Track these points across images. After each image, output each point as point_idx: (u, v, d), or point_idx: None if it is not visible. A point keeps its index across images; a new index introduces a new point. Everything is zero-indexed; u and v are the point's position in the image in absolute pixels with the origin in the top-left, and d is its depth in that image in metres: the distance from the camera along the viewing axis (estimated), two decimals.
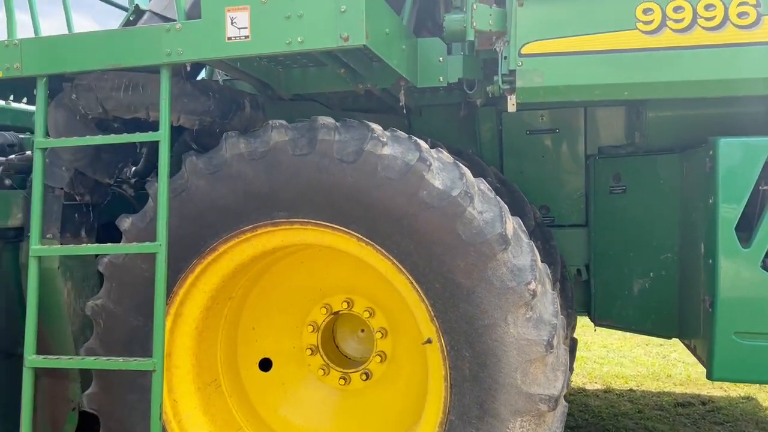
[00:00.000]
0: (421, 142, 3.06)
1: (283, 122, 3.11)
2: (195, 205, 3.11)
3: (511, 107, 3.52)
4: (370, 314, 3.73)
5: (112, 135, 3.07)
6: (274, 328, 3.84)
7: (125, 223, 3.24)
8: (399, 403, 3.67)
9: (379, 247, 2.93)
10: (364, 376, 3.74)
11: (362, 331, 4.00)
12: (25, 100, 4.11)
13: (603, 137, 4.45)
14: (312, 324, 3.81)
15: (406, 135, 3.18)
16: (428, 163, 2.89)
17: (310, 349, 3.82)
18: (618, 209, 4.31)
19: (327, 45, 2.78)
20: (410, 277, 2.89)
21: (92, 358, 3.09)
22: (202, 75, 4.29)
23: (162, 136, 2.94)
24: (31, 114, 4.96)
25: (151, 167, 4.15)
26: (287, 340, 3.86)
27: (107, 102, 3.25)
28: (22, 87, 3.99)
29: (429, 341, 2.97)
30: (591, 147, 4.46)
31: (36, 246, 3.07)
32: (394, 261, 2.92)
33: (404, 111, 3.83)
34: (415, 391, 3.63)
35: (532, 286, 2.75)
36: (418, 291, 2.89)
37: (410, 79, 3.54)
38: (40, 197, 3.10)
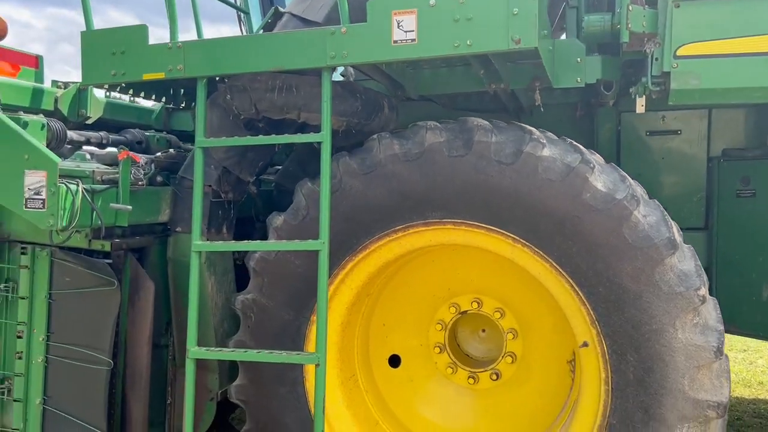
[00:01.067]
0: (578, 144, 3.06)
1: (437, 123, 3.15)
2: (349, 204, 3.18)
3: (640, 108, 3.49)
4: (501, 315, 3.75)
5: (273, 136, 3.16)
6: (402, 325, 3.89)
7: (277, 220, 3.33)
8: (531, 403, 3.68)
9: (537, 249, 2.95)
10: (494, 376, 3.76)
11: (483, 330, 4.01)
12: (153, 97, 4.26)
13: (727, 140, 4.36)
14: (440, 322, 3.85)
15: (557, 136, 3.18)
16: (591, 165, 2.89)
17: (438, 347, 3.86)
18: (745, 213, 4.21)
19: (497, 48, 2.80)
20: (571, 280, 2.90)
21: (254, 351, 3.18)
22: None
23: (324, 137, 3.01)
24: (151, 112, 5.13)
25: (268, 164, 4.26)
26: (414, 337, 3.90)
27: (261, 103, 3.34)
28: (160, 86, 4.13)
29: (585, 344, 2.97)
30: (714, 149, 4.37)
31: (198, 242, 3.18)
32: (554, 263, 2.93)
33: (541, 110, 3.82)
34: (549, 392, 3.64)
35: (702, 291, 2.72)
36: (578, 294, 2.90)
37: (551, 80, 3.53)
38: (200, 195, 3.21)
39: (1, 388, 3.40)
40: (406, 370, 3.89)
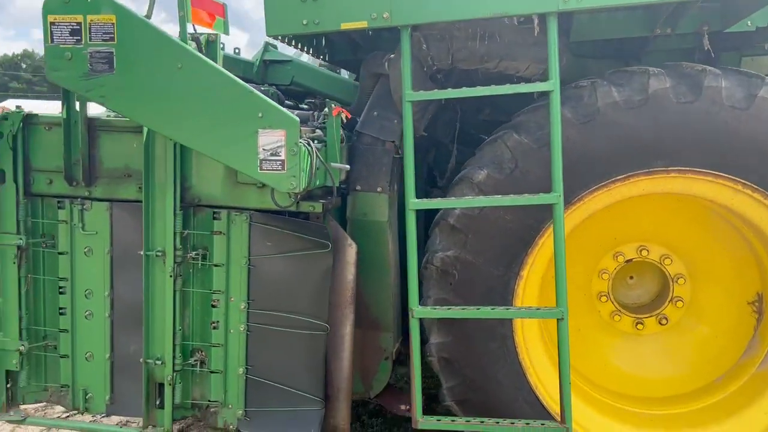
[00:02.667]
0: None
1: (660, 69, 3.08)
2: (564, 156, 3.09)
3: None
4: (670, 261, 3.78)
5: (493, 87, 3.01)
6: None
7: (479, 175, 3.23)
8: (708, 345, 3.77)
9: None
10: (664, 321, 3.82)
11: (631, 278, 4.05)
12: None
13: None
14: (604, 271, 3.87)
15: None
16: None
17: (604, 295, 3.88)
18: None
19: None
20: None
21: (488, 307, 3.11)
22: None
23: (554, 85, 2.91)
24: (252, 65, 4.86)
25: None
26: (578, 288, 3.91)
27: (459, 52, 3.19)
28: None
29: None
30: None
31: (412, 199, 3.05)
32: None
33: (711, 56, 3.78)
34: (727, 333, 3.72)
35: None
36: None
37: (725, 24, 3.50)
38: (411, 150, 3.07)
39: (194, 360, 3.24)
40: (573, 320, 3.89)
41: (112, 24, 2.72)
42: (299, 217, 3.16)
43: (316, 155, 2.78)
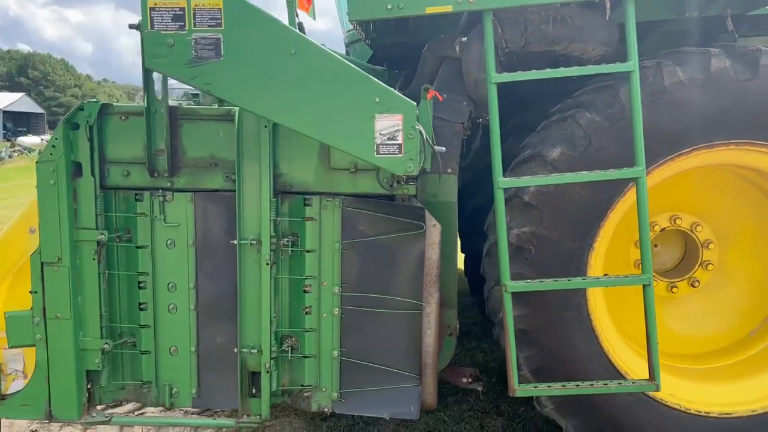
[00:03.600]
0: None
1: (720, 50, 3.32)
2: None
3: None
4: (701, 228, 4.10)
5: (575, 68, 3.16)
6: (606, 246, 4.12)
7: (552, 152, 3.38)
8: (738, 303, 4.13)
9: None
10: (697, 283, 4.14)
11: (656, 245, 4.36)
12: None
13: None
14: None
15: None
16: None
17: (639, 264, 4.15)
18: None
19: None
20: None
21: (579, 278, 3.29)
22: None
23: (633, 66, 3.09)
24: None
25: None
26: (616, 257, 4.16)
27: (533, 35, 3.32)
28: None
29: None
30: None
31: (500, 178, 3.17)
32: None
33: (736, 37, 4.08)
34: (755, 292, 4.09)
35: None
36: None
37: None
38: (497, 131, 3.17)
39: (286, 346, 3.25)
40: (614, 288, 4.15)
41: (219, 9, 2.66)
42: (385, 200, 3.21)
43: (426, 139, 2.84)
